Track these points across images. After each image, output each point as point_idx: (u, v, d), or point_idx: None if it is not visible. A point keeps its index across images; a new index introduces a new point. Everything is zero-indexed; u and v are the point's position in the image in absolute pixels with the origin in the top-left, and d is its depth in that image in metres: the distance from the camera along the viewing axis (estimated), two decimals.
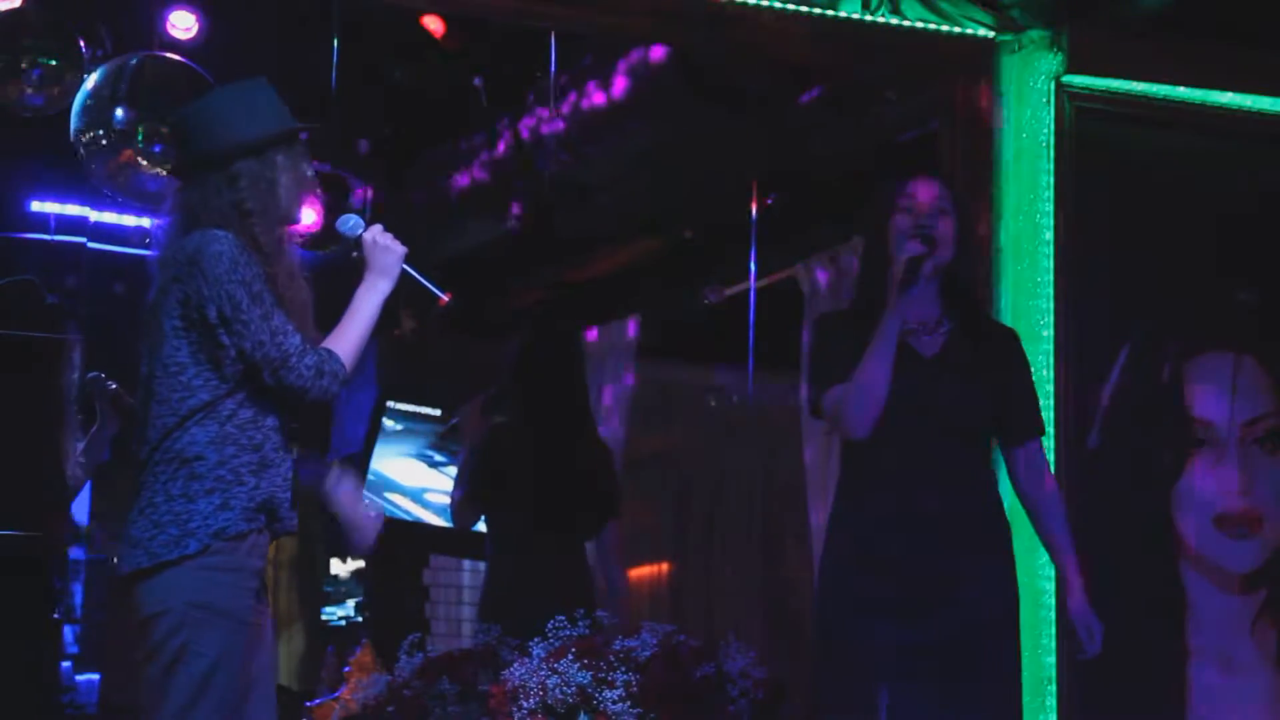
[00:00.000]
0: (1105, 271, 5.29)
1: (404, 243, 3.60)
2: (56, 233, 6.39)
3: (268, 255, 3.46)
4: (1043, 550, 4.03)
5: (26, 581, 5.31)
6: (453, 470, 7.33)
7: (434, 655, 4.75)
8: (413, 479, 7.55)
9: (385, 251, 3.57)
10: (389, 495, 7.48)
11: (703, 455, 8.58)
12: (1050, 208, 5.16)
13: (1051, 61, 5.20)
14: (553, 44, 6.28)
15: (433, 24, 6.56)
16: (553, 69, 6.36)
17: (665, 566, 8.72)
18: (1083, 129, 5.25)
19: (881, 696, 3.64)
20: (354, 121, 7.20)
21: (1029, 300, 5.12)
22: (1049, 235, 5.17)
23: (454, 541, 6.95)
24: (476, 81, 7.11)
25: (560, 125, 6.49)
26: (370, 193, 7.01)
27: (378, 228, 3.60)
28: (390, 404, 7.57)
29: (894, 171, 3.87)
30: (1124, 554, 5.18)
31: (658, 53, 6.07)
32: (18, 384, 5.43)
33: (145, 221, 6.60)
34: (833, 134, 6.19)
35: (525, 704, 4.32)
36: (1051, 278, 5.14)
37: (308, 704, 5.44)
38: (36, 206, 6.81)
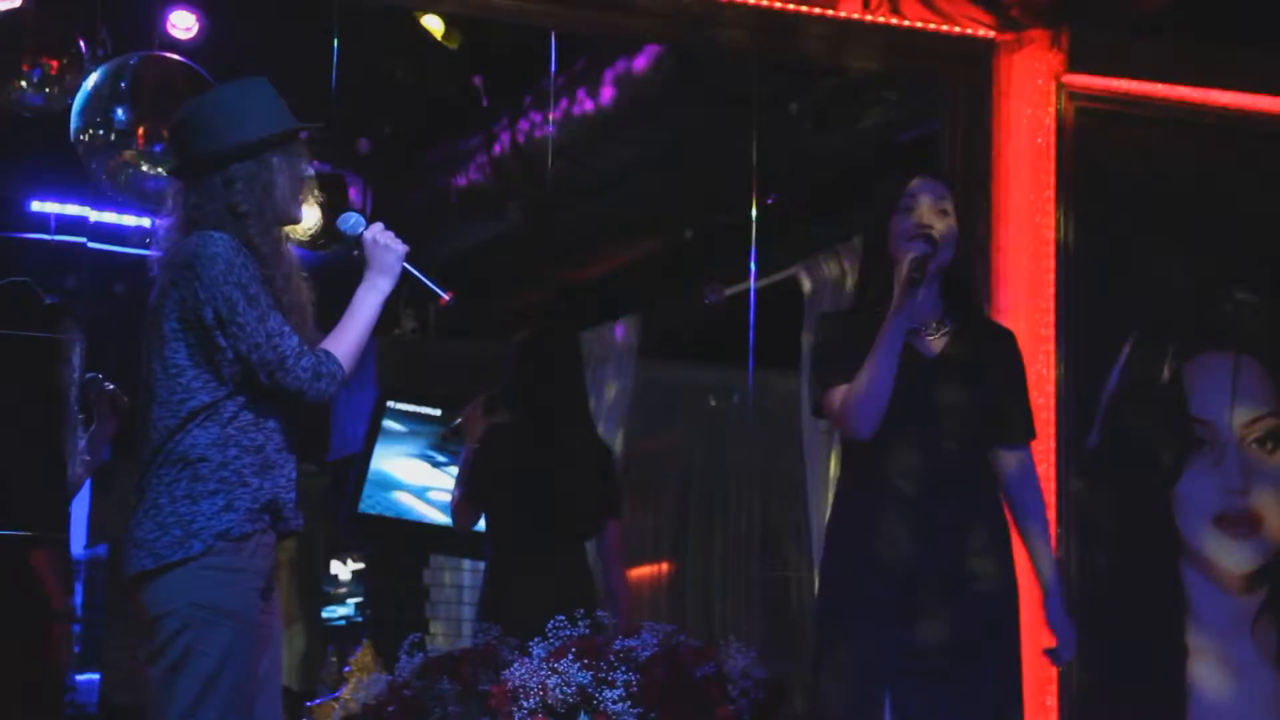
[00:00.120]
0: (1105, 271, 5.29)
1: (404, 242, 3.59)
2: (56, 233, 6.38)
3: (265, 257, 3.45)
4: None
5: (26, 581, 5.30)
6: (455, 470, 7.32)
7: (434, 655, 4.73)
8: (416, 478, 7.54)
9: (386, 250, 3.55)
10: (393, 493, 7.48)
11: (703, 455, 8.57)
12: (1050, 207, 5.16)
13: (1051, 61, 5.20)
14: (553, 44, 6.28)
15: (433, 24, 6.56)
16: (553, 69, 6.36)
17: (665, 566, 8.71)
18: (1083, 128, 5.25)
19: (884, 697, 3.64)
20: (354, 121, 7.20)
21: (1029, 300, 5.12)
22: (1049, 235, 5.17)
23: (454, 541, 6.93)
24: (476, 81, 7.11)
25: (552, 130, 6.50)
26: (370, 193, 7.01)
27: (378, 226, 3.58)
28: (390, 404, 7.56)
29: (894, 171, 3.86)
30: (1124, 554, 5.18)
31: (657, 52, 6.07)
32: (18, 384, 5.43)
33: (145, 221, 6.59)
34: (833, 134, 6.19)
35: (525, 704, 4.32)
36: (1052, 278, 5.14)
37: (308, 704, 5.44)
38: (36, 206, 6.79)
